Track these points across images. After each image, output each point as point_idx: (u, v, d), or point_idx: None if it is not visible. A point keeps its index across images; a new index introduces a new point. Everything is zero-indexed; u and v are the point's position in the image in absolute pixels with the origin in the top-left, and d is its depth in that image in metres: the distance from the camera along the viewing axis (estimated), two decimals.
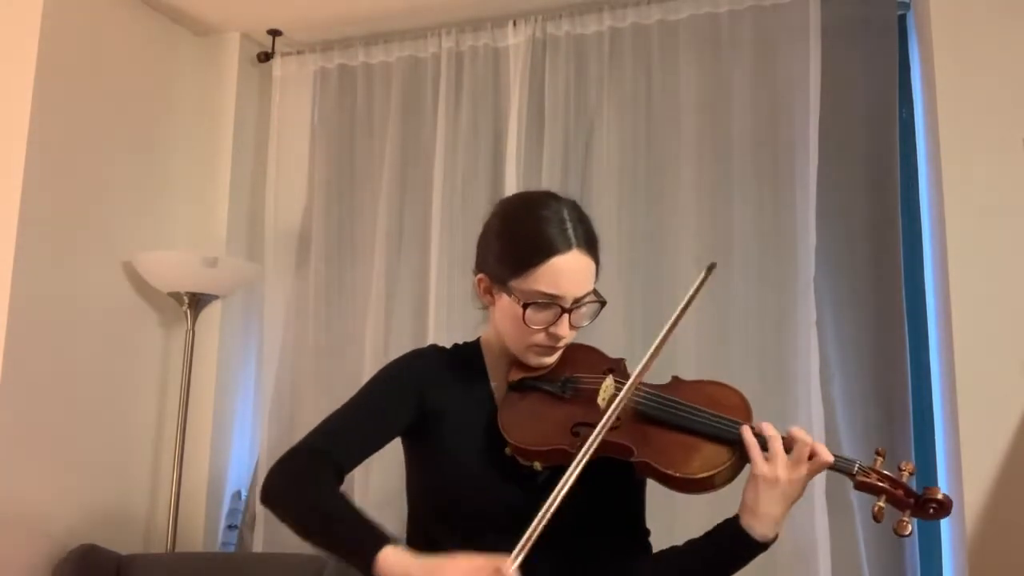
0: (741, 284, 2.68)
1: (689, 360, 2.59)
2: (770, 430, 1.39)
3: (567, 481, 1.29)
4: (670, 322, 1.46)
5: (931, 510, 1.37)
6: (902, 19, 2.77)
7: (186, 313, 2.95)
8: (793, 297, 2.61)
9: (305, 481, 1.41)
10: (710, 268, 1.53)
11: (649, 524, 1.59)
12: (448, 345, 1.66)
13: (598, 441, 1.34)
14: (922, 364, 2.62)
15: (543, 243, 1.44)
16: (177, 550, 2.84)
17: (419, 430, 1.52)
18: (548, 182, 2.86)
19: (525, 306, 1.44)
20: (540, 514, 1.27)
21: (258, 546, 2.95)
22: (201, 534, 2.99)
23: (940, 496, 1.37)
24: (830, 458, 1.37)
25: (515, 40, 3.00)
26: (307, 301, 3.14)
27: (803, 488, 1.38)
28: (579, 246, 1.46)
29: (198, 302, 2.95)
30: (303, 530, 1.41)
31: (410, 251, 3.05)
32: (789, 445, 1.38)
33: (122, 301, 2.93)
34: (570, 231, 1.46)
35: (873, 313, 2.64)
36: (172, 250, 3.01)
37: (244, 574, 2.72)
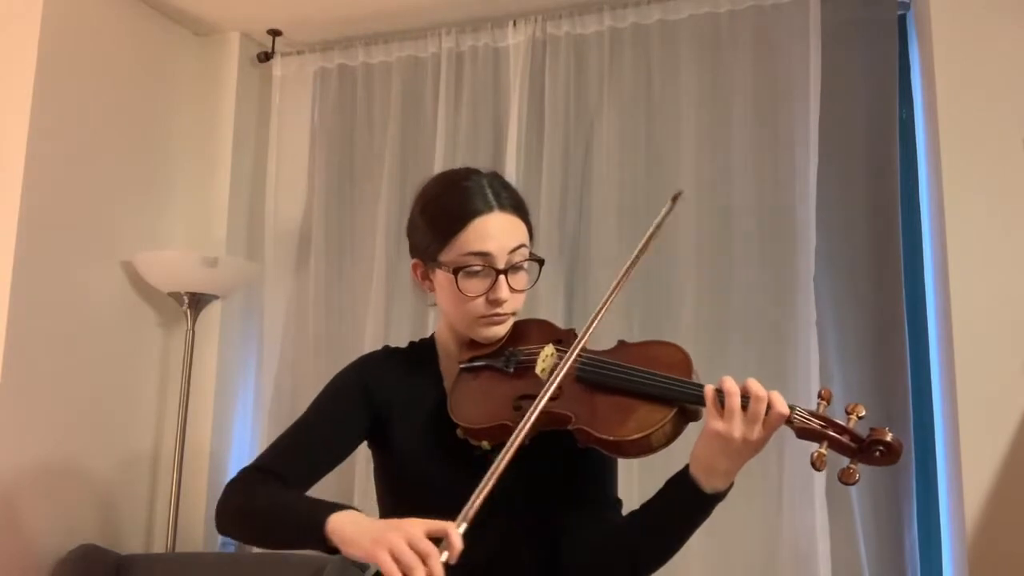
0: (741, 284, 2.69)
1: None
2: (730, 385, 1.27)
3: (505, 455, 1.22)
4: (630, 260, 1.47)
5: (877, 453, 1.24)
6: (902, 19, 2.77)
7: (186, 313, 2.95)
8: (793, 297, 2.61)
9: (247, 492, 1.37)
10: (675, 197, 1.52)
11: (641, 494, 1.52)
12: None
13: (537, 412, 1.28)
14: (922, 364, 2.62)
15: (464, 209, 1.41)
16: (177, 550, 2.83)
17: (374, 432, 1.50)
18: (548, 182, 2.87)
19: (456, 272, 1.40)
20: (480, 486, 1.19)
21: None
22: (201, 534, 2.99)
23: (888, 438, 1.23)
24: (787, 411, 1.25)
25: (515, 40, 3.00)
26: (307, 301, 3.14)
27: (762, 446, 1.27)
28: (502, 208, 1.43)
29: (198, 302, 2.95)
30: (259, 534, 1.36)
31: None
32: (746, 400, 1.26)
33: (122, 301, 2.93)
34: (491, 196, 1.43)
35: (873, 313, 2.64)
36: (172, 250, 3.02)
37: (244, 574, 2.72)
